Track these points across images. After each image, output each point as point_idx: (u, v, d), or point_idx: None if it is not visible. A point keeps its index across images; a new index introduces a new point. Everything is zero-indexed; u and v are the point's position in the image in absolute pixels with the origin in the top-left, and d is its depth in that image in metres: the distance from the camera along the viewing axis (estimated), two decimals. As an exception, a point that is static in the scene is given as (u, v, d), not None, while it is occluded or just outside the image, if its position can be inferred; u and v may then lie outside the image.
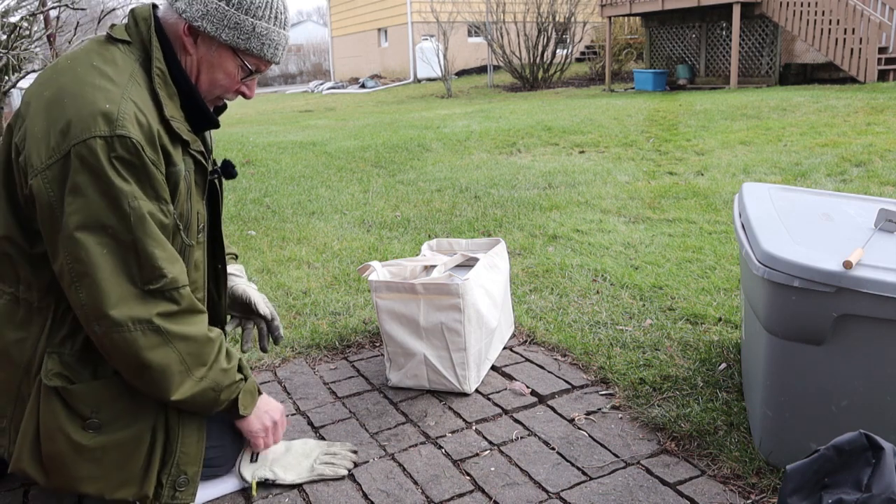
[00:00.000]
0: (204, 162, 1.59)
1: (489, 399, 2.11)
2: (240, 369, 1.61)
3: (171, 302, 1.45)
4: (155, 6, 1.55)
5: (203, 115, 1.58)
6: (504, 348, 2.43)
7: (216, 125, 1.63)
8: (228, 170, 1.74)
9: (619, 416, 1.98)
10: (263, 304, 1.92)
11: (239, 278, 1.94)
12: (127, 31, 1.52)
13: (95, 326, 1.42)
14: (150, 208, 1.42)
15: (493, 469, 1.76)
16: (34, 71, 5.72)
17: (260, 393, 1.69)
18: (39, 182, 1.37)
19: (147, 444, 1.53)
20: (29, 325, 1.50)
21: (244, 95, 1.62)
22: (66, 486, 1.51)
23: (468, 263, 2.38)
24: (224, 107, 1.71)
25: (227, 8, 1.49)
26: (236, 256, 2.01)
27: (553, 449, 1.84)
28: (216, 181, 1.73)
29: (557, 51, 16.30)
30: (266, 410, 1.69)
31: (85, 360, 1.50)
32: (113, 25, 1.56)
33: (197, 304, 1.53)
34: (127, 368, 1.46)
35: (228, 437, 1.70)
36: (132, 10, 1.54)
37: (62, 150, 1.35)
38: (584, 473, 1.73)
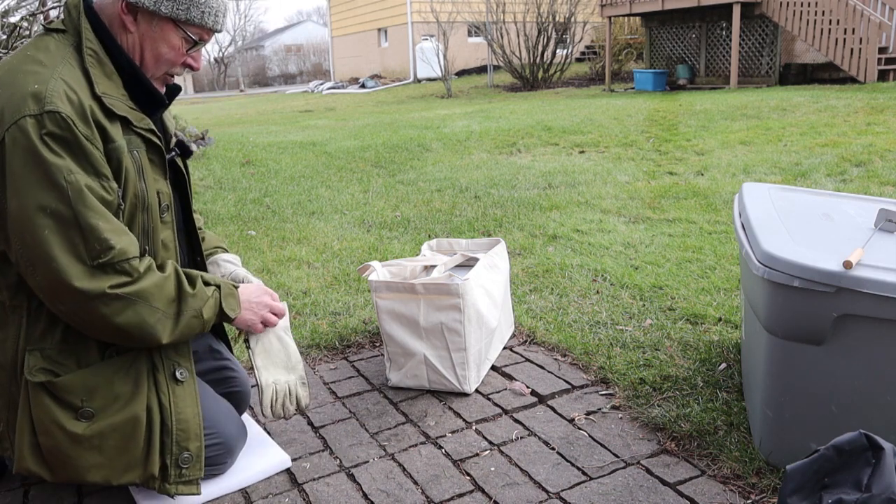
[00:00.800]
0: (157, 141, 1.58)
1: (489, 399, 2.11)
2: (207, 283, 1.61)
3: (123, 274, 1.45)
4: None
5: (150, 95, 1.57)
6: (504, 348, 2.43)
7: (164, 104, 1.63)
8: (183, 149, 1.74)
9: (619, 416, 1.98)
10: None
11: (234, 265, 1.91)
12: (63, 22, 1.54)
13: (59, 305, 1.44)
14: (87, 182, 1.41)
15: (493, 469, 1.76)
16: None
17: (237, 287, 1.68)
18: None
19: (144, 425, 1.53)
20: (5, 325, 1.51)
21: (191, 67, 1.63)
22: (72, 477, 1.52)
23: (468, 263, 2.38)
24: (178, 88, 1.71)
25: None
26: (226, 250, 2.01)
27: (553, 449, 1.84)
28: (178, 162, 1.72)
29: (557, 51, 16.30)
30: (251, 301, 1.70)
31: (67, 351, 1.51)
32: (51, 21, 1.57)
33: (145, 263, 1.51)
34: (105, 335, 1.48)
35: (228, 434, 1.70)
36: (65, 2, 1.55)
37: None
38: (584, 473, 1.73)
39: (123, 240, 1.45)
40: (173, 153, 1.69)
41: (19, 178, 1.37)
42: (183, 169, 1.74)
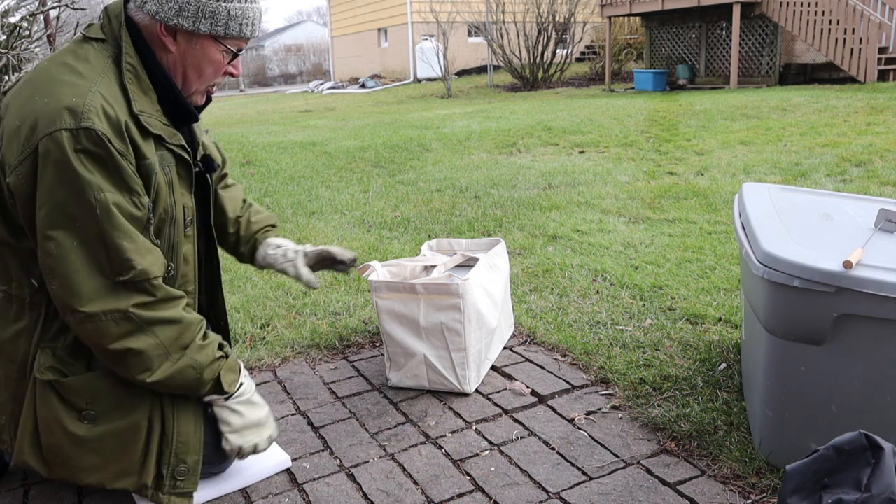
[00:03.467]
0: (186, 156, 1.60)
1: (489, 399, 2.11)
2: (219, 347, 1.60)
3: (144, 293, 1.47)
4: (127, 1, 1.55)
5: (183, 110, 1.59)
6: (504, 348, 2.43)
7: (195, 119, 1.65)
8: (208, 163, 1.75)
9: (619, 416, 1.98)
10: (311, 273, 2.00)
11: (283, 251, 2.00)
12: (102, 28, 1.53)
13: (69, 316, 1.45)
14: (117, 200, 1.42)
15: (493, 469, 1.76)
16: (34, 71, 5.71)
17: (241, 370, 1.67)
18: (15, 178, 1.40)
19: (144, 434, 1.55)
20: (21, 321, 1.52)
21: (231, 75, 1.64)
22: (68, 476, 1.54)
23: (468, 263, 2.37)
24: (208, 100, 1.72)
25: None
26: (274, 226, 2.07)
27: (553, 449, 1.84)
28: (205, 175, 1.74)
29: (557, 51, 16.30)
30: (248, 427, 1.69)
31: (78, 352, 1.53)
32: (90, 24, 1.57)
33: (172, 291, 1.53)
34: (101, 354, 1.49)
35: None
36: (105, 8, 1.55)
37: (31, 146, 1.37)
38: (584, 473, 1.73)
39: (147, 259, 1.47)
40: (198, 167, 1.71)
41: (49, 190, 1.38)
42: (209, 180, 1.76)
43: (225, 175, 2.00)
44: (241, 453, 1.65)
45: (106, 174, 1.41)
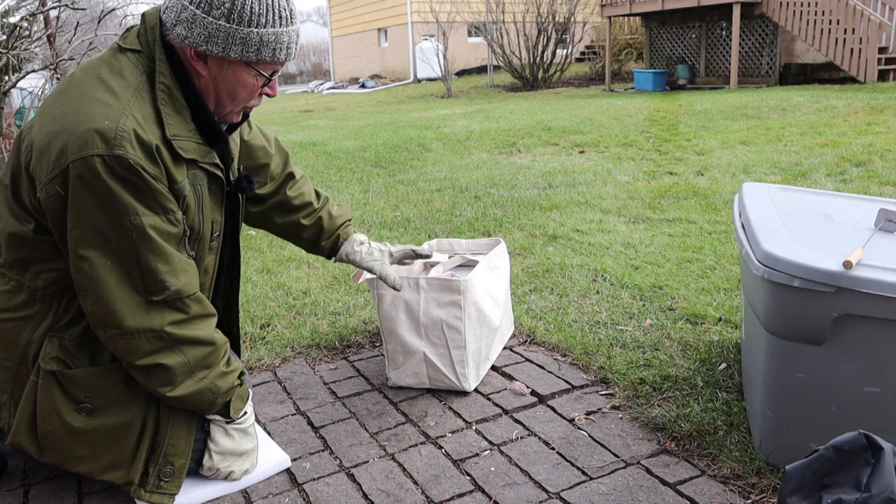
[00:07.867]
0: (219, 174, 1.61)
1: (489, 399, 2.11)
2: (238, 376, 1.66)
3: (178, 311, 1.50)
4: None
5: (212, 133, 1.58)
6: (504, 348, 2.43)
7: (225, 140, 1.64)
8: (241, 184, 1.74)
9: (619, 416, 1.98)
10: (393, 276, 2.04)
11: (363, 250, 2.05)
12: (138, 37, 1.51)
13: (101, 332, 1.48)
14: (153, 222, 1.43)
15: (493, 469, 1.76)
16: (34, 71, 5.72)
17: (249, 398, 1.73)
18: (45, 195, 1.41)
19: (136, 432, 1.57)
20: (29, 306, 1.54)
21: (268, 96, 1.62)
22: (58, 462, 1.57)
23: (469, 265, 2.37)
24: (245, 116, 1.70)
25: (228, 25, 1.44)
26: (350, 220, 2.10)
27: (553, 449, 1.84)
28: (235, 193, 1.75)
29: (557, 51, 16.30)
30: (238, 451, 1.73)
31: (84, 345, 1.55)
32: (128, 30, 1.55)
33: (207, 308, 1.57)
34: (129, 367, 1.52)
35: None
36: (143, 14, 1.53)
37: (61, 165, 1.37)
38: (584, 473, 1.73)
39: (181, 279, 1.49)
40: (230, 187, 1.71)
41: (83, 212, 1.39)
42: (239, 198, 1.77)
43: (290, 174, 1.99)
44: (215, 474, 1.69)
45: (140, 198, 1.41)
